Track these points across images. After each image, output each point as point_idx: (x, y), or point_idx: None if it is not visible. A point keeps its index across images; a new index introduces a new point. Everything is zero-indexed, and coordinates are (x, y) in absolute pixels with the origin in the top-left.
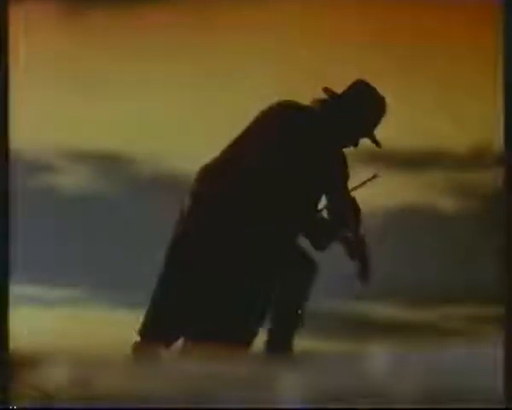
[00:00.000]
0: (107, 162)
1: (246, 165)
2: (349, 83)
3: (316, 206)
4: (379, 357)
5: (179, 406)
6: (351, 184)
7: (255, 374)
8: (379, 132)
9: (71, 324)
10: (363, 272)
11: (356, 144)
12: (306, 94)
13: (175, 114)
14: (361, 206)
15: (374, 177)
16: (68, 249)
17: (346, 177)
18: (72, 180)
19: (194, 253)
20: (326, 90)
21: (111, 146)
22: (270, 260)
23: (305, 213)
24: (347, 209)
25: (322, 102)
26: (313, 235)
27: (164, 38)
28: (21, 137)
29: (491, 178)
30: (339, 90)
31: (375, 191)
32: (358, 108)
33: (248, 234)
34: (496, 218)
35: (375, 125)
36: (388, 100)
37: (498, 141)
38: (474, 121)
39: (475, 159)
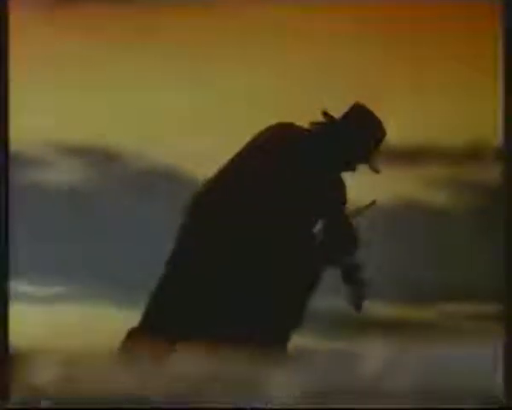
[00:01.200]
0: (101, 158)
1: (242, 185)
2: (349, 79)
3: (312, 229)
4: (377, 356)
5: (173, 406)
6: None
7: (250, 373)
8: None
9: (63, 321)
10: (358, 298)
11: (354, 169)
12: (305, 92)
13: (170, 110)
14: (359, 202)
15: (372, 203)
16: (62, 247)
17: (343, 201)
18: (65, 176)
19: (191, 272)
20: (324, 114)
21: (105, 142)
22: (268, 278)
23: (301, 236)
24: (343, 234)
25: (321, 125)
26: (309, 258)
27: (162, 34)
28: (18, 134)
29: (490, 173)
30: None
31: (371, 187)
32: (356, 134)
33: (245, 254)
34: (495, 214)
35: (373, 149)
36: (386, 94)
37: (497, 135)
38: (473, 115)
39: (474, 153)
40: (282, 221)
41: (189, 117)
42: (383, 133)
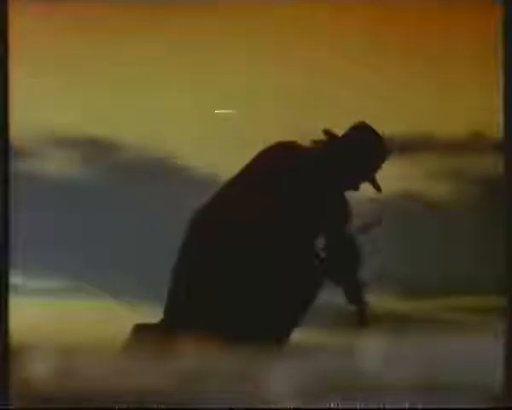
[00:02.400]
0: (97, 148)
1: (244, 203)
2: (350, 72)
3: (314, 247)
4: (377, 350)
5: (172, 406)
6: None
7: (248, 367)
8: (375, 115)
9: (63, 316)
10: (361, 317)
11: (356, 188)
12: (303, 92)
13: (164, 99)
14: (358, 193)
15: (377, 222)
16: (57, 238)
17: (345, 219)
18: (65, 169)
19: (196, 275)
20: (326, 132)
21: (100, 132)
22: (268, 290)
23: (303, 254)
24: (346, 254)
25: (323, 143)
26: (310, 276)
27: (164, 31)
28: (19, 127)
29: (491, 165)
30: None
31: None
32: (359, 152)
33: (245, 273)
34: (496, 206)
35: (375, 168)
36: (387, 84)
37: (497, 127)
38: (473, 106)
39: (474, 146)
40: (283, 239)
41: (182, 105)
42: (386, 152)
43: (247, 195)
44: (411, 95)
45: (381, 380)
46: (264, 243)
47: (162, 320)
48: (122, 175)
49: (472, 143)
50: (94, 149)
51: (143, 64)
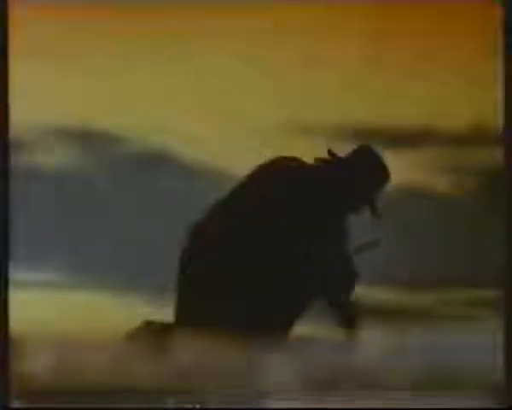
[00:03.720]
0: (95, 141)
1: (243, 218)
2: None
3: (312, 264)
4: (376, 343)
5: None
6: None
7: (250, 361)
8: (375, 107)
9: (63, 309)
10: (349, 333)
11: (357, 211)
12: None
13: (163, 91)
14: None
15: (376, 242)
16: (56, 233)
17: (344, 237)
18: (65, 161)
19: (198, 276)
20: (329, 152)
21: (98, 124)
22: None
23: (300, 271)
24: (342, 274)
25: (325, 162)
26: (306, 293)
27: (153, 19)
28: (18, 120)
29: (491, 157)
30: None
31: None
32: (360, 174)
33: (247, 276)
34: (496, 199)
35: (375, 192)
36: (386, 75)
37: (498, 121)
38: (474, 99)
39: (475, 139)
40: (281, 256)
41: (180, 97)
42: (387, 176)
43: (247, 207)
44: (413, 90)
45: (379, 374)
46: (264, 253)
47: (175, 320)
48: (122, 168)
49: (473, 137)
50: (93, 141)
51: (143, 58)
